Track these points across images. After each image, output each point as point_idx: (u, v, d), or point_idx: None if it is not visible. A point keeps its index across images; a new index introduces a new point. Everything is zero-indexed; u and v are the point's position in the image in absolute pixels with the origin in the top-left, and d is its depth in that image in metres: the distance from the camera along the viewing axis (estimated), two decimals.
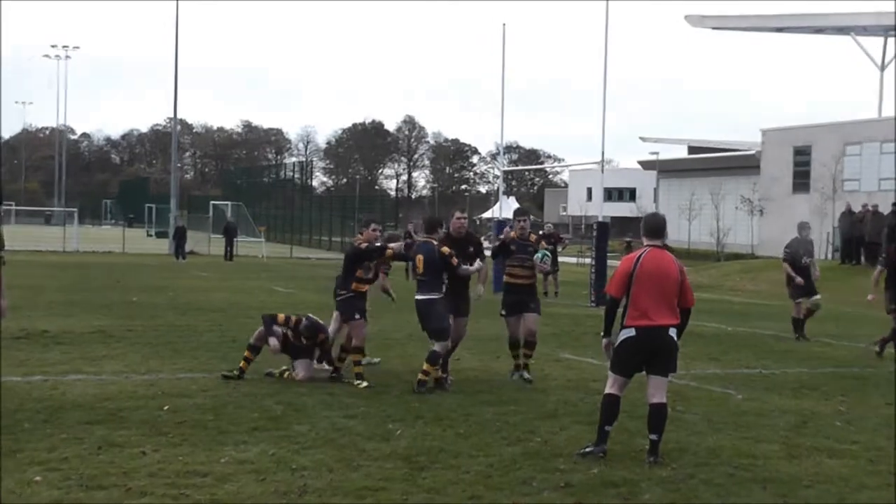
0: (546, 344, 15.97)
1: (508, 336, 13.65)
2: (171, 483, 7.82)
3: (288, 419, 10.39)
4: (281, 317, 13.15)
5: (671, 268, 9.19)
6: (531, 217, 14.40)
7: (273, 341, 12.79)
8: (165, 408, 10.76)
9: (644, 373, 9.36)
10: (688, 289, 9.32)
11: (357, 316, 12.88)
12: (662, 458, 9.02)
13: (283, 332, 12.94)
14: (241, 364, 12.88)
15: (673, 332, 9.18)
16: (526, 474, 8.40)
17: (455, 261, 12.55)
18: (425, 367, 12.38)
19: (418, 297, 12.66)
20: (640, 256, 9.22)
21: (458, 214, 13.41)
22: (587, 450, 9.19)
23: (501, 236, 14.34)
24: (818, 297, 20.19)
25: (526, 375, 13.31)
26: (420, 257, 12.62)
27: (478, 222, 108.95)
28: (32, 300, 22.23)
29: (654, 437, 9.10)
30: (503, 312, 13.65)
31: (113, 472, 8.05)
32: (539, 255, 13.40)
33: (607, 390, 9.35)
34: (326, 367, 13.15)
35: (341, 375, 12.97)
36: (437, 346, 12.45)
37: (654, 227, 9.46)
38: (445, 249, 12.55)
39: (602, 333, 9.47)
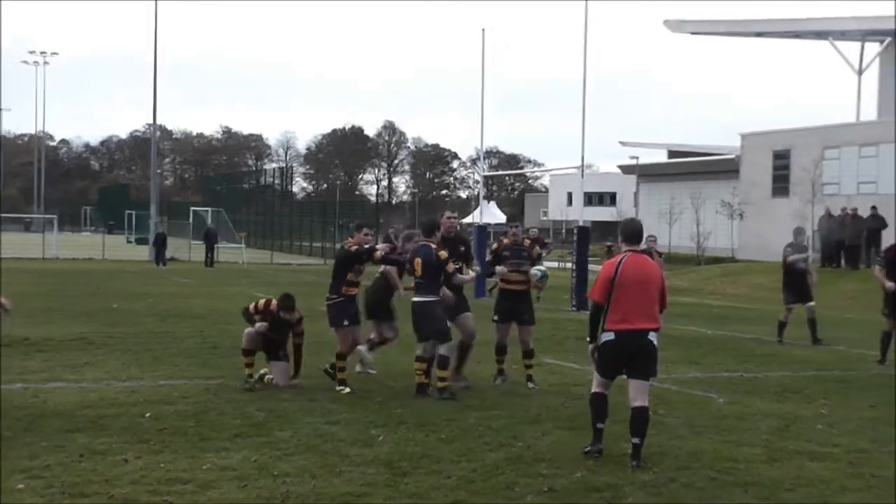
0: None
1: (496, 341, 13.60)
2: (153, 490, 7.80)
3: (270, 425, 10.37)
4: (252, 306, 13.15)
5: (653, 272, 9.36)
6: (520, 224, 14.70)
7: (259, 324, 12.84)
8: (147, 415, 10.73)
9: (626, 377, 9.46)
10: (665, 293, 9.50)
11: (346, 322, 12.80)
12: (645, 461, 9.06)
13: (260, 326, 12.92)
14: (247, 372, 12.85)
15: (653, 336, 9.27)
16: (509, 479, 8.41)
17: (451, 267, 12.48)
18: (439, 374, 12.35)
19: (415, 299, 12.61)
20: (620, 262, 9.32)
21: (448, 214, 13.73)
22: (586, 449, 9.41)
23: (494, 245, 14.24)
24: (812, 303, 20.23)
25: (530, 385, 13.23)
26: (418, 260, 12.56)
27: (458, 227, 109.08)
28: (13, 307, 22.06)
29: (636, 440, 9.17)
30: (495, 318, 13.59)
31: (95, 480, 8.02)
32: (538, 273, 13.49)
33: (593, 390, 9.59)
34: (296, 380, 13.05)
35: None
36: (442, 350, 12.41)
37: (632, 232, 9.59)
38: (443, 254, 12.52)
39: (588, 339, 9.59)
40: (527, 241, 14.03)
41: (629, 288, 9.18)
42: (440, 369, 12.36)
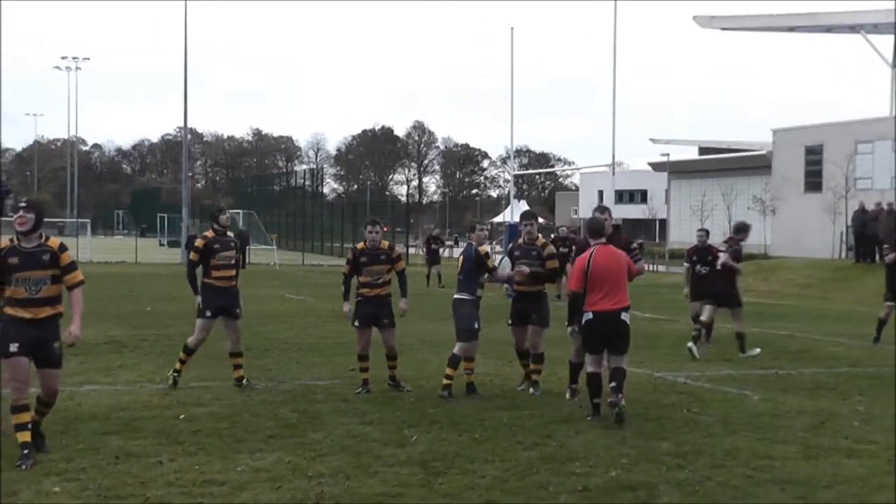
0: (560, 348, 15.93)
1: (515, 346, 13.29)
2: (188, 492, 7.83)
3: (303, 427, 10.39)
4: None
5: (619, 259, 11.06)
6: (538, 220, 13.67)
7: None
8: (181, 417, 10.78)
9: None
10: (633, 266, 11.23)
11: (355, 323, 12.85)
12: (622, 406, 10.67)
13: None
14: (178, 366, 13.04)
15: (625, 316, 10.92)
16: (542, 479, 8.38)
17: (491, 262, 12.53)
18: (447, 371, 12.42)
19: (454, 295, 12.83)
20: (591, 254, 11.04)
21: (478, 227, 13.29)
22: (588, 418, 10.91)
23: (509, 246, 13.86)
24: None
25: (531, 391, 12.71)
26: (461, 258, 12.76)
27: (489, 227, 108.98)
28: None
29: (613, 384, 10.79)
30: (509, 322, 13.14)
31: (130, 482, 8.06)
32: (507, 266, 12.79)
33: (588, 370, 11.17)
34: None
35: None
36: (456, 349, 12.47)
37: (596, 228, 11.35)
38: (483, 249, 12.59)
39: (567, 322, 11.45)
40: (539, 241, 13.04)
41: (601, 275, 10.88)
42: (449, 367, 12.41)
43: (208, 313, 12.87)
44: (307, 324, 20.76)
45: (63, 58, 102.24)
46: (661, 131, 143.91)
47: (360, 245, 12.90)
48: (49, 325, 8.79)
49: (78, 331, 8.74)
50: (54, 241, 8.96)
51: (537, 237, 13.02)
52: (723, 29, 66.19)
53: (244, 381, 12.89)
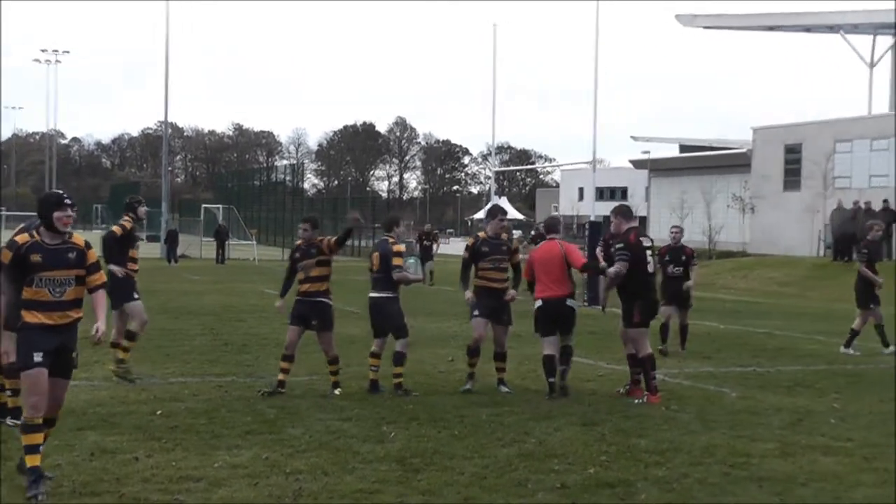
0: (538, 344, 15.92)
1: (472, 339, 12.71)
2: (164, 489, 7.79)
3: (281, 423, 10.36)
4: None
5: (556, 253, 12.29)
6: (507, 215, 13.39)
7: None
8: (158, 413, 10.74)
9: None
10: (574, 256, 12.39)
11: (288, 321, 12.61)
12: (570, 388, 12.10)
13: None
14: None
15: (570, 302, 12.30)
16: (521, 476, 8.38)
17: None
18: (395, 370, 12.39)
19: (373, 294, 12.56)
20: (536, 249, 12.67)
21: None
22: (547, 396, 12.05)
23: (470, 241, 13.23)
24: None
25: (503, 389, 12.56)
26: (376, 255, 12.54)
27: (469, 223, 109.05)
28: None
29: (563, 367, 12.23)
30: (475, 313, 12.62)
31: (106, 479, 8.02)
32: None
33: (544, 352, 12.29)
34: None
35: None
36: (398, 346, 12.43)
37: (551, 225, 13.12)
38: (399, 247, 12.49)
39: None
40: (505, 236, 12.91)
41: (541, 267, 12.32)
42: (396, 365, 12.37)
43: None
44: (286, 319, 20.71)
45: (43, 51, 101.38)
46: (642, 129, 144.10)
47: (298, 242, 12.72)
48: (71, 331, 7.90)
49: (105, 327, 8.03)
50: (79, 238, 8.02)
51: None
52: (704, 28, 66.39)
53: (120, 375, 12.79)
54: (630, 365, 12.60)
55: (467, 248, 12.89)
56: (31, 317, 7.68)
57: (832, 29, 58.65)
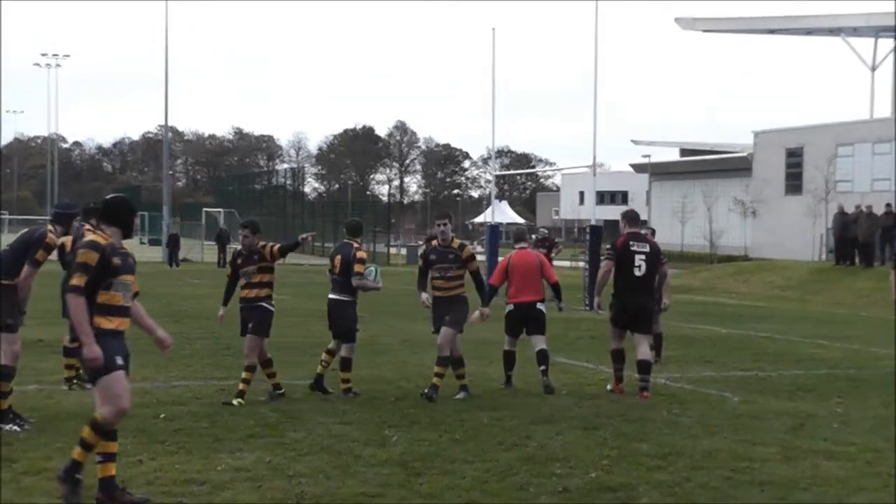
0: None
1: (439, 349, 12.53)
2: (167, 491, 7.80)
3: (284, 426, 10.37)
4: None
5: (532, 261, 13.18)
6: (452, 220, 12.97)
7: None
8: (161, 416, 10.75)
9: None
10: (548, 270, 13.45)
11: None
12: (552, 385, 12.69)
13: None
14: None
15: (540, 306, 13.10)
16: (522, 479, 8.39)
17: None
18: (343, 375, 12.40)
19: (332, 296, 12.61)
20: (510, 256, 13.32)
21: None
22: (502, 386, 13.02)
23: (423, 248, 13.43)
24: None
25: (457, 396, 12.28)
26: (339, 258, 12.57)
27: (470, 227, 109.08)
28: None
29: (542, 367, 12.87)
30: (432, 329, 12.76)
31: None
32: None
33: (505, 348, 13.24)
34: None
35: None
36: (344, 351, 12.45)
37: (519, 235, 14.06)
38: (362, 254, 12.55)
39: (483, 304, 12.80)
40: (456, 243, 12.56)
41: (517, 273, 13.08)
42: (345, 370, 12.39)
43: None
44: (287, 323, 20.72)
45: (43, 55, 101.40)
46: (643, 133, 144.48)
47: (239, 248, 12.39)
48: (125, 337, 7.69)
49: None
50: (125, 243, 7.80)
51: (452, 238, 12.61)
52: (704, 31, 66.50)
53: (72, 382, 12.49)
54: (612, 360, 13.14)
55: (420, 255, 13.17)
56: (106, 322, 7.41)
57: (833, 32, 58.75)
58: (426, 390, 12.19)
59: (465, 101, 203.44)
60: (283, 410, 11.22)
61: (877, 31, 56.23)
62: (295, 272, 45.58)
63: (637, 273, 12.73)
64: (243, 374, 11.90)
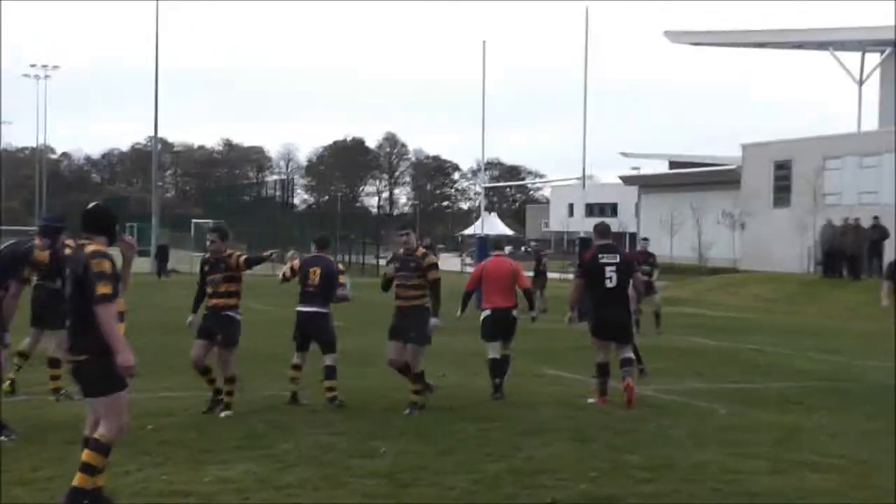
0: (528, 359, 15.96)
1: (389, 362, 12.49)
2: (154, 503, 7.77)
3: (271, 437, 10.34)
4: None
5: (505, 268, 13.66)
6: (415, 230, 12.78)
7: None
8: (148, 427, 10.70)
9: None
10: (522, 278, 13.82)
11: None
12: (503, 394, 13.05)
13: None
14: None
15: (514, 312, 13.52)
16: (510, 491, 8.37)
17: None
18: (328, 384, 12.46)
19: (307, 309, 12.68)
20: (485, 264, 14.01)
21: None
22: (493, 396, 13.10)
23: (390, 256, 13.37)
24: None
25: (405, 412, 11.88)
26: (317, 270, 12.66)
27: (459, 239, 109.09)
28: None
29: (497, 381, 13.23)
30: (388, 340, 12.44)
31: None
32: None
33: (489, 356, 13.46)
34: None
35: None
36: (329, 360, 12.51)
37: (496, 243, 15.07)
38: (342, 267, 12.80)
39: (459, 312, 13.72)
40: (420, 252, 12.30)
41: (491, 280, 13.57)
42: (330, 379, 12.47)
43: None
44: (275, 334, 20.67)
45: (32, 65, 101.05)
46: (632, 145, 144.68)
47: (206, 255, 12.32)
48: None
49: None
50: None
51: (417, 247, 12.38)
52: (693, 44, 66.69)
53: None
54: (598, 373, 13.12)
55: (387, 263, 13.21)
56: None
57: (821, 46, 58.93)
58: (406, 410, 11.93)
59: (454, 113, 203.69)
60: (271, 421, 11.19)
61: (864, 46, 56.45)
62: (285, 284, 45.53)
63: (609, 285, 12.86)
64: (225, 388, 11.79)
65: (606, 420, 11.73)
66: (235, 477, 8.64)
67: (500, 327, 13.50)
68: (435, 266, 12.28)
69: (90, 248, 7.44)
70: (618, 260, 13.03)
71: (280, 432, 10.60)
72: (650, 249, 24.79)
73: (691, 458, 9.77)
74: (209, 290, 12.01)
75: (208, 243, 12.11)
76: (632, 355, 13.19)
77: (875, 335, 18.03)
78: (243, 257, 12.06)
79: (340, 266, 12.74)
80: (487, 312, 13.55)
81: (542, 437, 10.62)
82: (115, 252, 7.62)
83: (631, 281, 13.36)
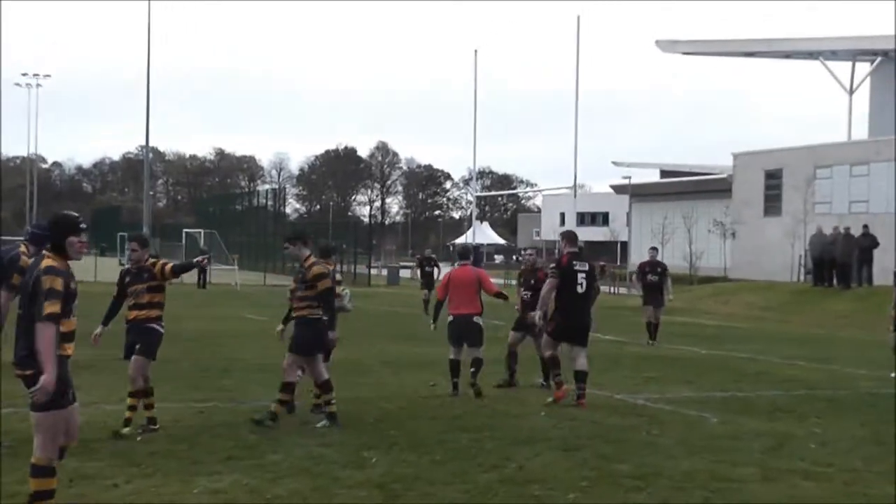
0: (518, 369, 15.93)
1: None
2: None
3: (262, 448, 10.32)
4: None
5: (469, 277, 14.36)
6: (308, 242, 12.36)
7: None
8: (138, 438, 10.67)
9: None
10: (486, 284, 14.39)
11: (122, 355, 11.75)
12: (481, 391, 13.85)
13: None
14: None
15: (477, 319, 14.27)
16: (502, 501, 8.37)
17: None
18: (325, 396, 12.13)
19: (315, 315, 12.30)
20: (451, 272, 14.66)
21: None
22: (450, 393, 14.09)
23: None
24: None
25: (319, 424, 11.61)
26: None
27: (451, 248, 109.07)
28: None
29: (473, 370, 14.09)
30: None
31: None
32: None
33: (450, 357, 14.35)
34: None
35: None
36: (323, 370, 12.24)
37: (463, 252, 15.62)
38: (340, 277, 13.07)
39: (432, 323, 15.20)
40: (308, 261, 11.88)
41: (456, 288, 14.31)
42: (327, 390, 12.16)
43: None
44: (268, 344, 20.66)
45: (24, 74, 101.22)
46: (623, 154, 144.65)
47: (127, 266, 11.69)
48: None
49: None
50: None
51: (306, 257, 11.93)
52: (684, 53, 66.80)
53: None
54: (550, 367, 14.06)
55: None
56: (62, 350, 7.03)
57: (811, 55, 59.12)
58: (322, 422, 11.64)
59: (446, 122, 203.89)
60: (262, 432, 11.15)
61: (854, 55, 56.66)
62: (275, 293, 45.46)
63: (579, 290, 13.73)
64: (129, 401, 11.20)
65: (596, 429, 11.73)
66: (226, 488, 8.62)
67: (463, 333, 14.28)
68: (323, 276, 11.77)
69: (45, 263, 7.08)
70: (587, 267, 13.89)
71: (271, 443, 10.58)
72: (658, 258, 24.60)
73: (681, 467, 9.77)
74: (131, 301, 11.38)
75: (129, 252, 11.49)
76: (586, 369, 13.65)
77: (865, 344, 18.05)
78: (168, 265, 11.47)
79: (339, 277, 12.70)
80: (451, 318, 14.36)
81: (533, 447, 10.62)
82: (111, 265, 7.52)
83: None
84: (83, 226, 7.33)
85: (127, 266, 11.61)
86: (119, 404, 12.71)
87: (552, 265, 14.11)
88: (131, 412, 11.12)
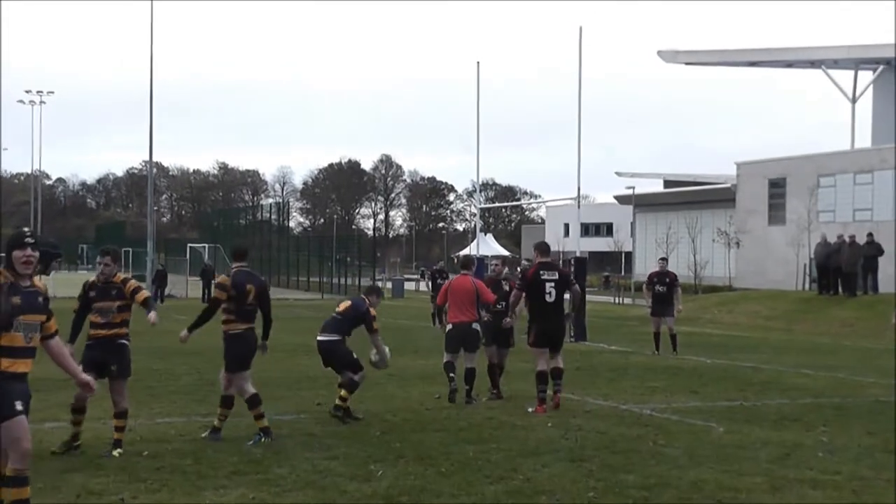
0: (525, 381, 15.92)
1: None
2: None
3: (268, 462, 10.31)
4: None
5: (468, 286, 14.88)
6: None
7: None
8: (144, 453, 10.67)
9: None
10: (484, 294, 14.93)
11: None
12: (476, 397, 14.62)
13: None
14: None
15: (475, 326, 14.83)
16: None
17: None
18: (345, 394, 12.91)
19: (328, 337, 13.39)
20: (451, 281, 15.39)
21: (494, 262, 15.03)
22: (451, 385, 14.62)
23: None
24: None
25: (249, 441, 11.42)
26: (350, 308, 13.54)
27: (455, 260, 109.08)
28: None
29: (468, 387, 14.63)
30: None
31: None
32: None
33: (445, 360, 14.84)
34: None
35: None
36: (357, 376, 13.06)
37: (465, 262, 15.90)
38: (373, 311, 13.44)
39: (438, 325, 15.78)
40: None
41: (455, 296, 14.89)
42: (350, 391, 12.98)
43: None
44: (272, 358, 20.64)
45: (27, 91, 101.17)
46: (627, 165, 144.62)
47: (92, 279, 11.31)
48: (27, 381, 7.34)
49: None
50: (38, 282, 7.71)
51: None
52: (687, 63, 66.86)
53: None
54: (537, 381, 14.14)
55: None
56: (6, 364, 7.01)
57: (814, 64, 59.14)
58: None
59: (450, 134, 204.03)
60: (267, 446, 11.15)
61: (856, 63, 56.67)
62: (279, 306, 45.47)
63: (548, 299, 14.28)
64: (114, 422, 11.02)
65: (603, 440, 11.71)
66: (231, 502, 8.61)
67: (461, 340, 14.83)
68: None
69: None
70: (557, 276, 14.45)
71: (277, 457, 10.57)
72: (669, 268, 24.39)
73: (688, 477, 9.75)
74: (99, 319, 11.04)
75: (102, 266, 11.09)
76: (562, 366, 14.37)
77: (871, 352, 18.01)
78: (141, 294, 11.18)
79: (373, 312, 13.56)
80: (451, 327, 14.95)
81: (539, 458, 10.60)
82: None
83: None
84: (28, 240, 7.27)
85: (93, 279, 11.25)
86: (131, 420, 12.72)
87: (520, 277, 15.03)
88: (119, 433, 10.93)
